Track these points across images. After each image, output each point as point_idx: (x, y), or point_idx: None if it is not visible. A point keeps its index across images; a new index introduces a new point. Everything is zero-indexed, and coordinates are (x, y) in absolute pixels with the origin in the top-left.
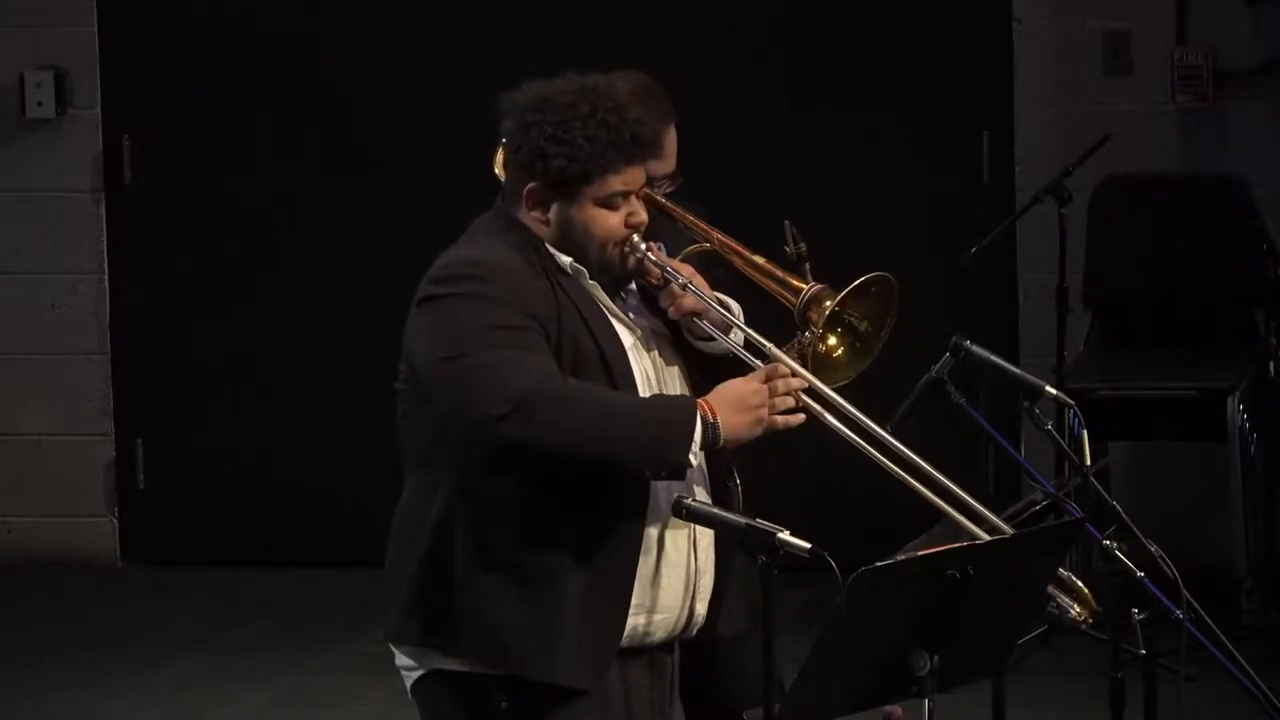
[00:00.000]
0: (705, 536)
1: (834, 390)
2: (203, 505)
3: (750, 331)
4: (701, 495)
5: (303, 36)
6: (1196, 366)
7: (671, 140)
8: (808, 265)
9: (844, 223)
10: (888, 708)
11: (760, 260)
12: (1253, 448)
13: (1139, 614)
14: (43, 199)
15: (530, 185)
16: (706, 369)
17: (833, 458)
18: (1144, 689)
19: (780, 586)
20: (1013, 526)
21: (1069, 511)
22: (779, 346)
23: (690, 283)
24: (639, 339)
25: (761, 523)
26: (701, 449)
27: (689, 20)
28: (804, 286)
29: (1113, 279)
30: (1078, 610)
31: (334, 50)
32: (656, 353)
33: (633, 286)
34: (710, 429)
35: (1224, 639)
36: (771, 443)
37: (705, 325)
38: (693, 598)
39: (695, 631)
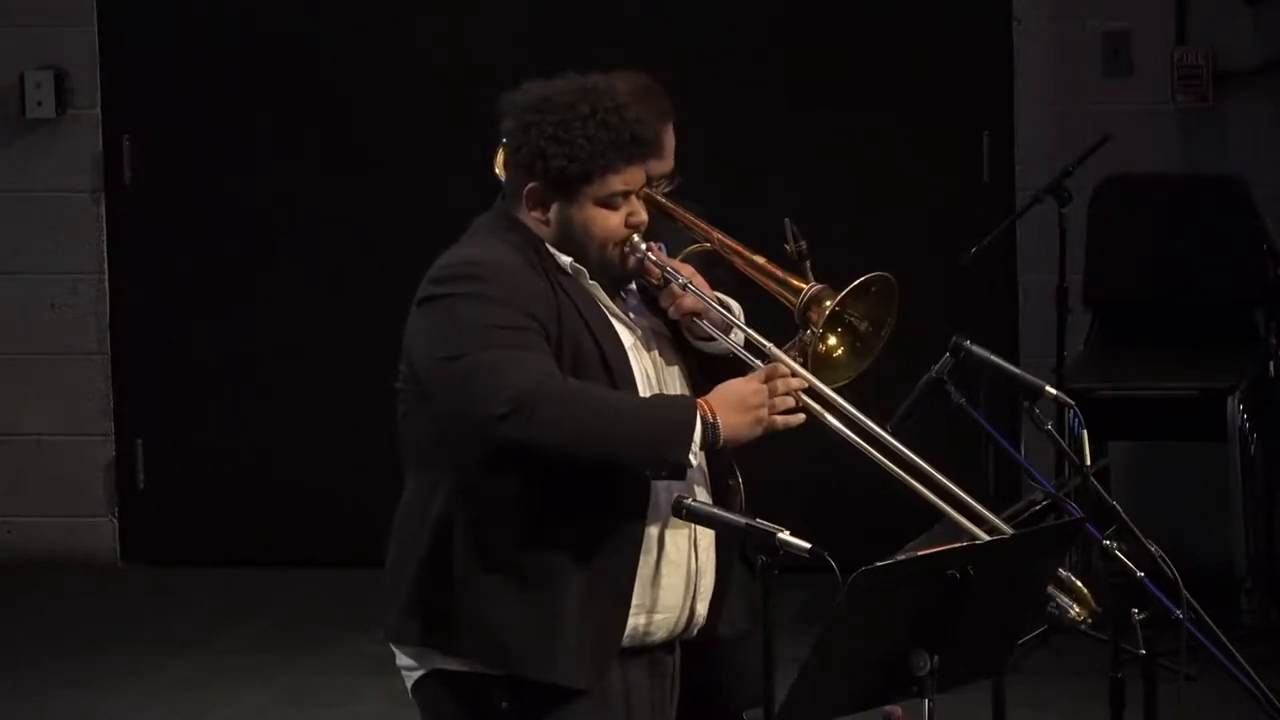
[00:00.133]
0: (706, 536)
1: (834, 390)
2: (203, 505)
3: (750, 331)
4: (702, 495)
5: (303, 36)
6: (1196, 366)
7: (670, 140)
8: (808, 264)
9: (844, 223)
10: (888, 708)
11: (760, 260)
12: (1253, 448)
13: (1139, 614)
14: (43, 199)
15: (530, 185)
16: (707, 369)
17: (833, 458)
18: (1144, 689)
19: (780, 586)
20: (1013, 526)
21: (1069, 511)
22: (779, 346)
23: (690, 282)
24: (639, 339)
25: (761, 523)
26: (701, 449)
27: (689, 20)
28: (804, 286)
29: (1113, 279)
30: (1077, 610)
31: (334, 50)
32: (657, 352)
33: (633, 286)
34: (710, 429)
35: (1224, 639)
36: (771, 443)
37: (705, 325)
38: (693, 598)
39: (696, 631)
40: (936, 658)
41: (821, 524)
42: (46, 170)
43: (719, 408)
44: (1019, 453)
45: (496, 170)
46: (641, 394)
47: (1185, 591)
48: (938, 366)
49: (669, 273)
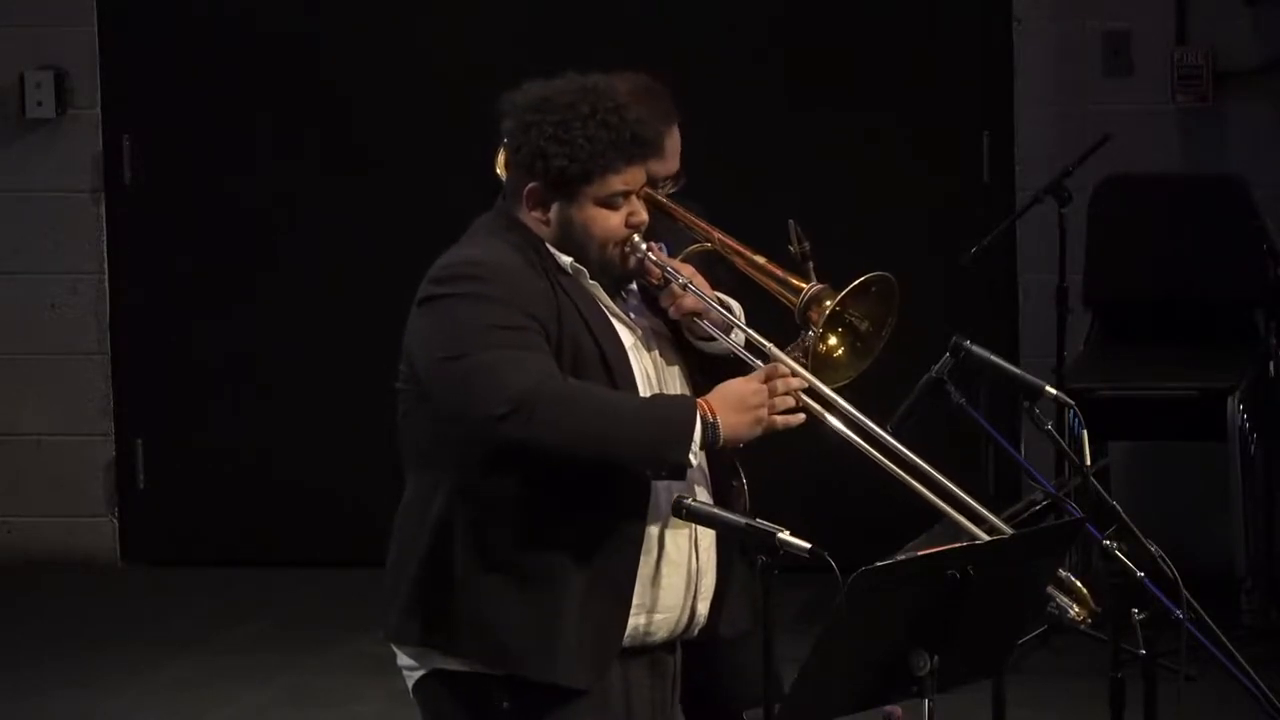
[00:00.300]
0: (707, 536)
1: (834, 390)
2: (203, 505)
3: (751, 332)
4: (702, 495)
5: (303, 36)
6: (1196, 366)
7: (675, 141)
8: (811, 264)
9: (844, 223)
10: (888, 708)
11: (761, 260)
12: (1253, 448)
13: (1139, 614)
14: (43, 199)
15: (531, 185)
16: (707, 369)
17: (833, 458)
18: (1144, 689)
19: (780, 586)
20: (1013, 526)
21: (1069, 511)
22: (780, 346)
23: (691, 282)
24: (639, 339)
25: (761, 523)
26: (701, 449)
27: (689, 20)
28: (804, 286)
29: (1113, 279)
30: (1077, 610)
31: (334, 50)
32: (657, 352)
33: (633, 286)
34: (710, 429)
35: (1224, 639)
36: (772, 442)
37: (706, 325)
38: (694, 598)
39: (697, 631)
40: (936, 658)
41: (821, 524)
42: (46, 170)
43: (719, 407)
44: (1019, 453)
45: (497, 170)
46: (642, 394)
47: (1185, 591)
48: (938, 366)
49: (669, 272)
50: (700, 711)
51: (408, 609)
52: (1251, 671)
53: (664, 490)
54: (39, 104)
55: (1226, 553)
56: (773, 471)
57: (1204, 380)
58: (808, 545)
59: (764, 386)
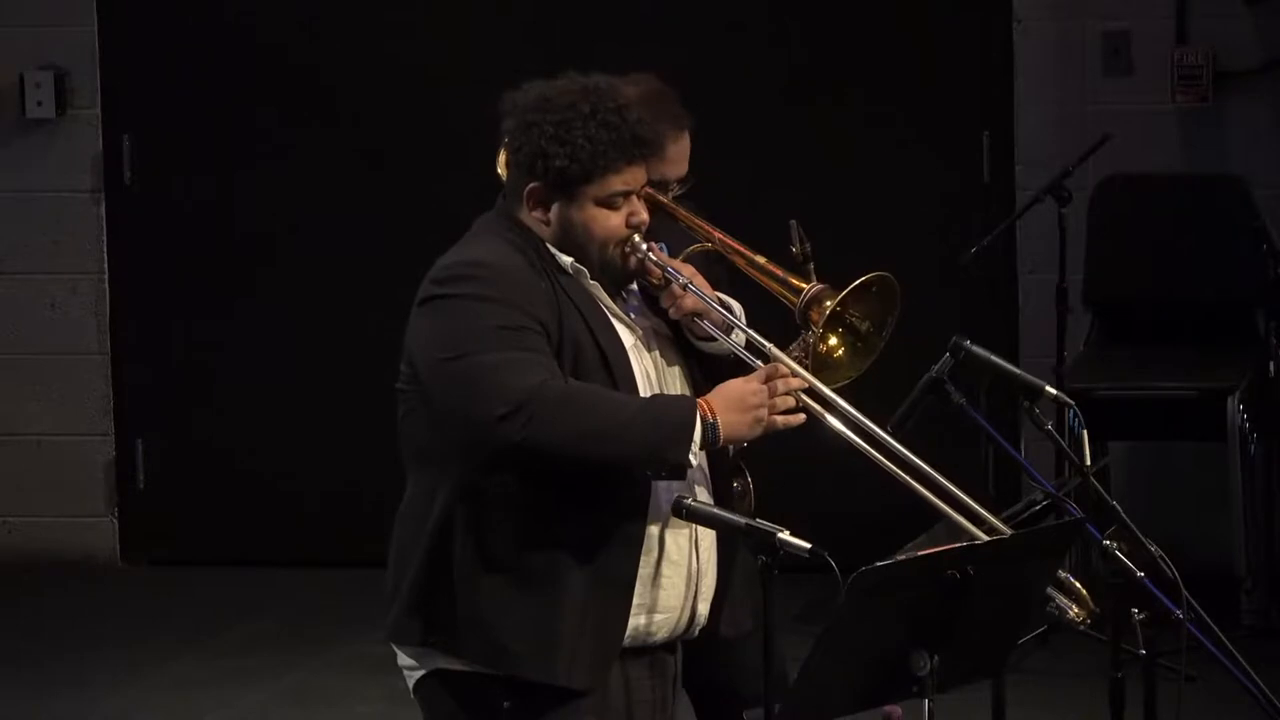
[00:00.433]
0: (707, 536)
1: (834, 390)
2: (203, 505)
3: (751, 332)
4: (703, 495)
5: (303, 36)
6: (1196, 366)
7: (685, 145)
8: (811, 267)
9: (844, 222)
10: (888, 708)
11: (761, 260)
12: (1253, 448)
13: (1139, 614)
14: (43, 199)
15: (531, 185)
16: (708, 369)
17: (833, 458)
18: (1144, 689)
19: (780, 586)
20: (1012, 527)
21: (1069, 511)
22: (779, 346)
23: (691, 283)
24: (640, 339)
25: (761, 523)
26: (701, 449)
27: (689, 20)
28: (805, 286)
29: (1113, 279)
30: (1076, 611)
31: (334, 50)
32: (658, 353)
33: (634, 287)
34: (710, 429)
35: (1224, 639)
36: (772, 443)
37: (706, 325)
38: (694, 598)
39: (697, 632)
40: (936, 658)
41: (822, 524)
42: (46, 170)
43: (719, 407)
44: (1019, 453)
45: (498, 170)
46: (642, 394)
47: (1185, 591)
48: (938, 366)
49: (670, 273)
50: (702, 711)
51: (408, 609)
52: (1251, 671)
53: (664, 490)
54: (39, 104)
55: (1226, 553)
56: (773, 471)
57: (1204, 380)
58: (808, 545)
59: (764, 387)
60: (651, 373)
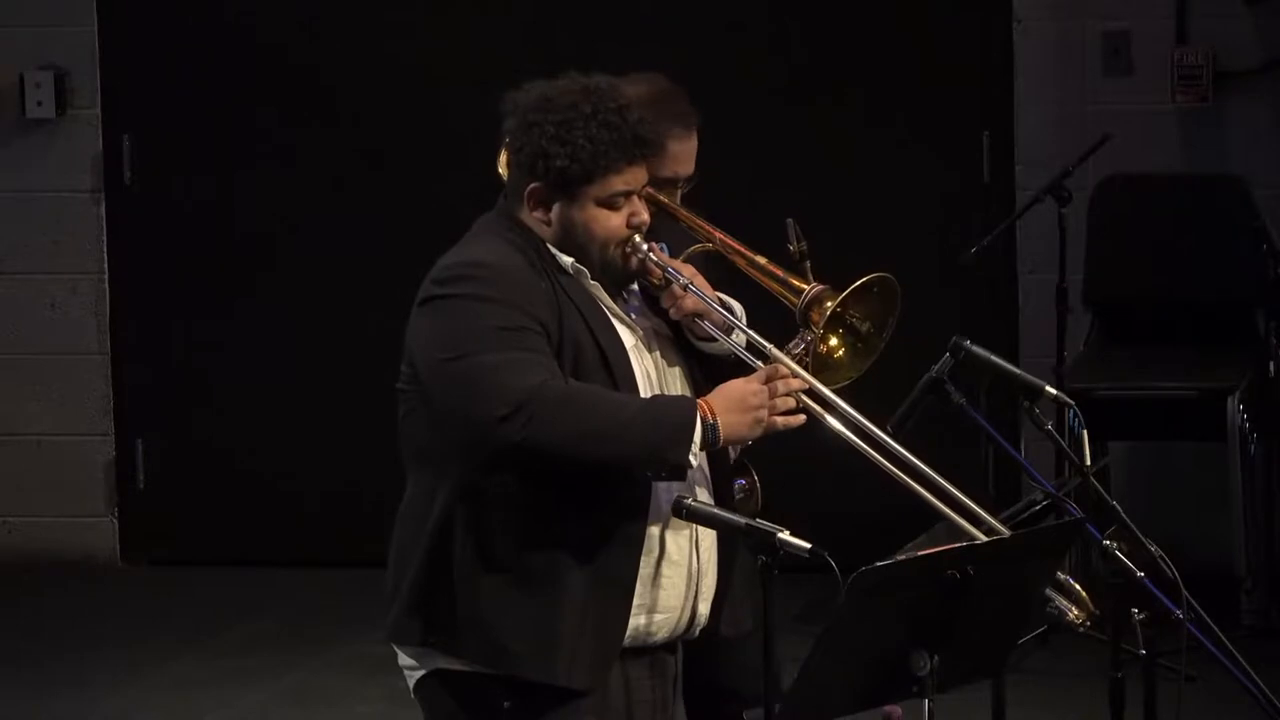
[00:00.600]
0: (708, 537)
1: (835, 391)
2: (203, 505)
3: (751, 333)
4: (703, 495)
5: (303, 36)
6: (1196, 366)
7: (693, 144)
8: (808, 265)
9: (844, 222)
10: (888, 708)
11: (762, 260)
12: (1253, 448)
13: (1139, 614)
14: (43, 199)
15: (532, 185)
16: (708, 369)
17: (833, 458)
18: (1144, 689)
19: (780, 586)
20: (1012, 527)
21: (1069, 511)
22: (779, 347)
23: (692, 283)
24: (640, 339)
25: (761, 523)
26: (701, 449)
27: (689, 20)
28: (805, 287)
29: (1113, 279)
30: (1076, 613)
31: (334, 50)
32: (658, 353)
33: (634, 287)
34: (710, 429)
35: (1224, 639)
36: (772, 443)
37: (707, 326)
38: (695, 598)
39: (698, 632)
40: (936, 658)
41: (822, 524)
42: (46, 170)
43: (719, 408)
44: (1019, 453)
45: (499, 170)
46: (643, 395)
47: (1185, 591)
48: (938, 366)
49: (670, 273)
50: (701, 711)
51: (408, 609)
52: (1251, 671)
53: (664, 490)
54: (39, 104)
55: (1226, 553)
56: (773, 471)
57: (1204, 380)
58: (808, 545)
59: (764, 387)
60: (652, 373)
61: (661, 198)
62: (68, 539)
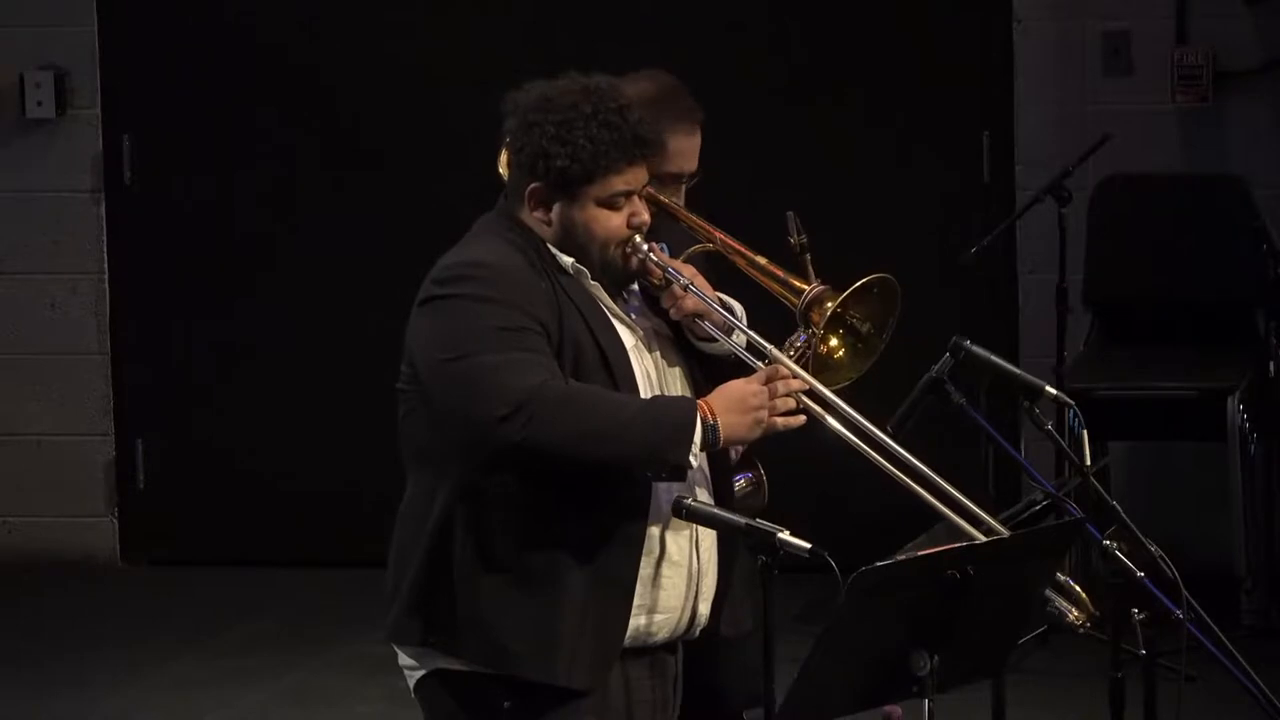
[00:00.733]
0: (708, 537)
1: (835, 391)
2: (203, 505)
3: (752, 333)
4: (703, 495)
5: (303, 36)
6: (1196, 366)
7: (697, 141)
8: (808, 258)
9: (844, 222)
10: (888, 708)
11: (762, 261)
12: (1253, 448)
13: (1139, 614)
14: (43, 199)
15: (532, 185)
16: (709, 370)
17: (833, 458)
18: (1144, 689)
19: (780, 586)
20: (1012, 527)
21: (1069, 511)
22: (780, 347)
23: (692, 283)
24: (641, 340)
25: (761, 523)
26: (701, 450)
27: (689, 20)
28: (806, 287)
29: (1113, 279)
30: (1076, 615)
31: (334, 50)
32: (659, 354)
33: (635, 287)
34: (710, 430)
35: (1224, 639)
36: (772, 443)
37: (707, 326)
38: (695, 598)
39: (698, 632)
40: (936, 658)
41: (822, 524)
42: (46, 170)
43: (719, 409)
44: (1019, 453)
45: (499, 170)
46: (643, 395)
47: (1185, 591)
48: (938, 366)
49: (671, 273)
50: (701, 711)
51: (408, 609)
52: (1251, 671)
53: (664, 490)
54: (39, 104)
55: (1226, 553)
56: (773, 471)
57: (1204, 380)
58: (808, 545)
59: (764, 388)
60: (652, 373)
61: (662, 198)
62: (68, 539)
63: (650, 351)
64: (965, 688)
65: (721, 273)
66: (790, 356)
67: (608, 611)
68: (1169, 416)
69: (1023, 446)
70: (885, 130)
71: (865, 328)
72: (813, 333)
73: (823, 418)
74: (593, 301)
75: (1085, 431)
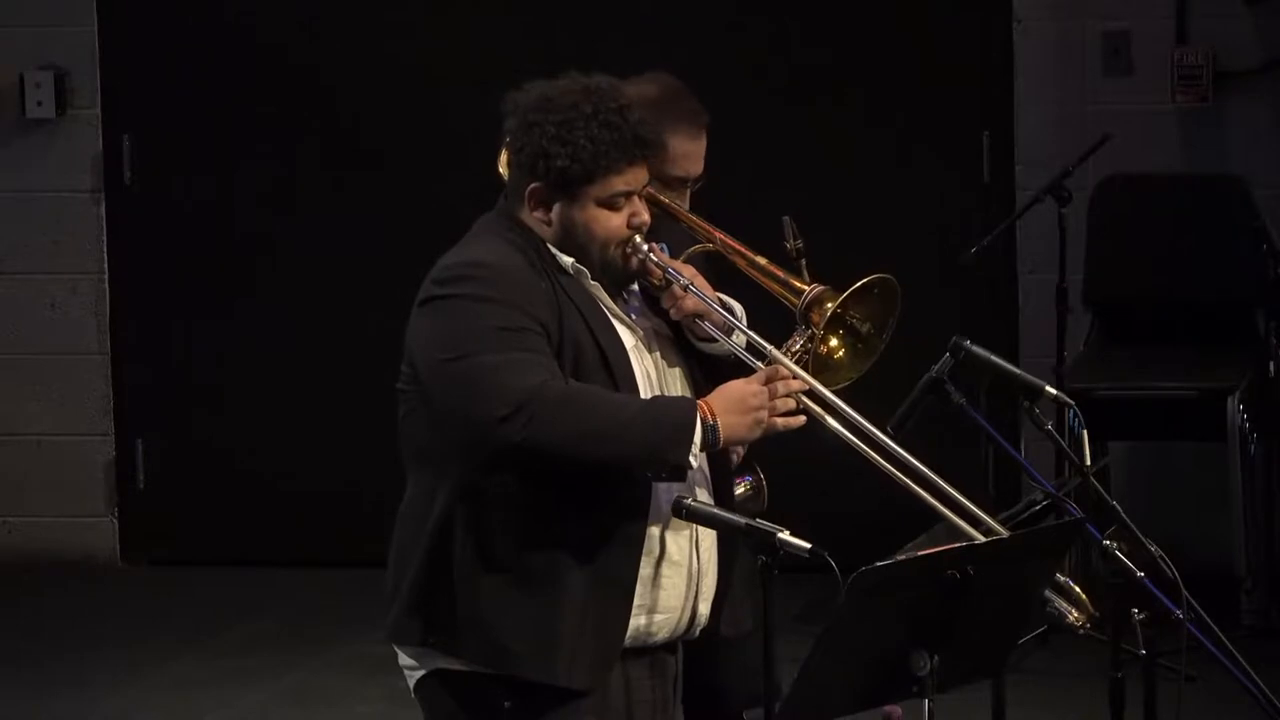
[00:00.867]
0: (708, 537)
1: (835, 392)
2: (203, 505)
3: (752, 333)
4: (703, 495)
5: (303, 36)
6: (1196, 366)
7: (703, 142)
8: (804, 261)
9: (844, 223)
10: (888, 708)
11: (762, 261)
12: (1253, 448)
13: (1139, 614)
14: (43, 199)
15: (533, 185)
16: (709, 370)
17: (833, 458)
18: (1144, 689)
19: (780, 586)
20: (1012, 528)
21: (1069, 511)
22: (780, 347)
23: (692, 284)
24: (641, 340)
25: (761, 523)
26: (701, 450)
27: (689, 20)
28: (806, 288)
29: (1113, 279)
30: (1075, 615)
31: (334, 50)
32: (659, 354)
33: (635, 287)
34: (710, 430)
35: (1224, 639)
36: (772, 443)
37: (707, 326)
38: (695, 598)
39: (698, 632)
40: (936, 658)
41: (822, 524)
42: (46, 170)
43: (718, 409)
44: (1019, 453)
45: (499, 170)
46: (643, 395)
47: (1185, 591)
48: (938, 366)
49: (671, 273)
50: (701, 711)
51: (408, 609)
52: (1251, 671)
53: (664, 491)
54: (39, 104)
55: (1226, 553)
56: (773, 471)
57: (1204, 380)
58: (808, 545)
59: (764, 388)
60: (652, 374)
61: (662, 198)
62: (68, 539)
63: (650, 352)
64: (965, 688)
65: (721, 273)
66: (790, 357)
67: (608, 611)
68: (1169, 416)
69: (1023, 446)
70: (885, 130)
71: (865, 328)
72: (813, 333)
73: (822, 418)
74: (593, 302)
75: (1085, 431)
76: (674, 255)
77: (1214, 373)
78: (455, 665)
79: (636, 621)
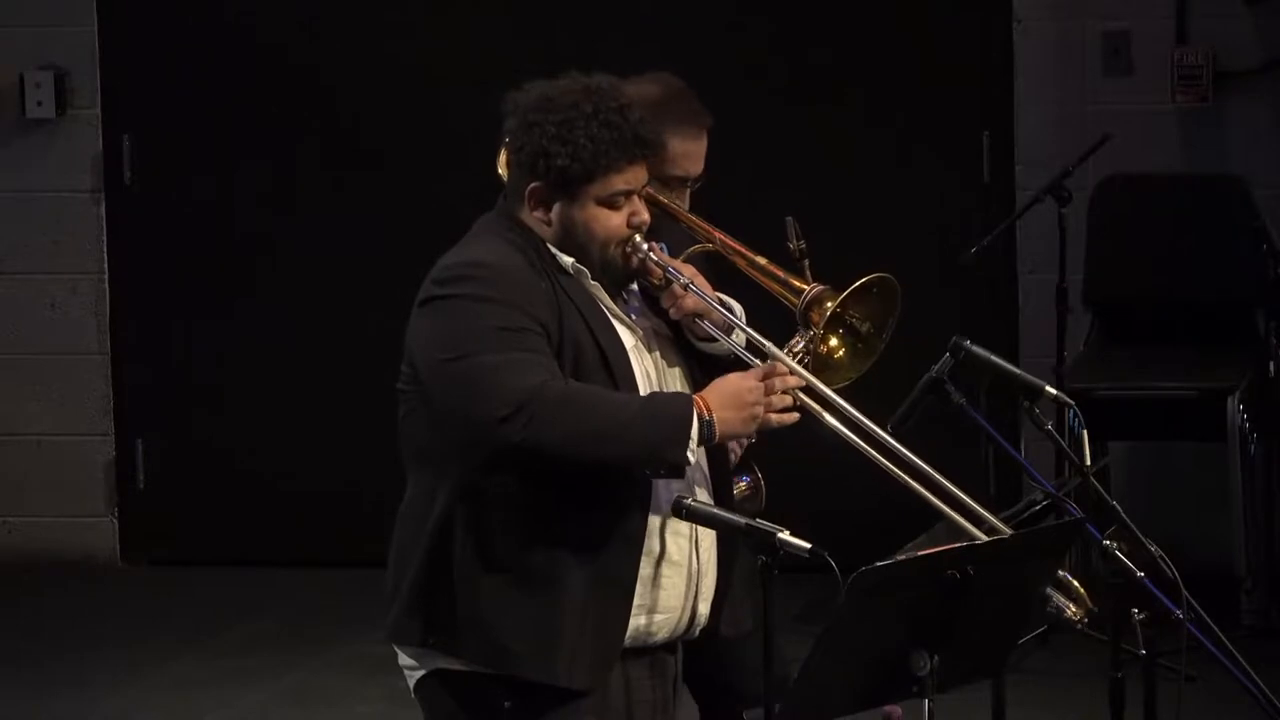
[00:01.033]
0: (708, 537)
1: (835, 391)
2: (203, 505)
3: (752, 332)
4: (702, 495)
5: (303, 36)
6: (1196, 366)
7: (704, 142)
8: (807, 262)
9: (844, 222)
10: (888, 708)
11: (762, 261)
12: (1253, 448)
13: (1139, 614)
14: (43, 199)
15: (533, 185)
16: (708, 370)
17: (833, 457)
18: (1144, 689)
19: (780, 586)
20: (1012, 527)
21: (1069, 511)
22: (780, 347)
23: (692, 283)
24: (640, 340)
25: (761, 523)
26: (698, 445)
27: (689, 20)
28: (805, 287)
29: (1113, 279)
30: (1073, 610)
31: (334, 50)
32: (658, 353)
33: (634, 287)
34: (706, 425)
35: (1224, 639)
36: (772, 442)
37: (707, 326)
38: (695, 598)
39: (698, 632)
40: (936, 658)
41: (822, 524)
42: (46, 170)
43: (714, 403)
44: (1019, 453)
45: (499, 170)
46: (642, 395)
47: (1185, 591)
48: (938, 366)
49: (671, 273)
50: (701, 711)
51: (408, 609)
52: (1251, 671)
53: (664, 491)
54: (39, 104)
55: (1226, 553)
56: (773, 472)
57: (1204, 380)
58: (808, 545)
59: (761, 384)
60: (652, 373)
61: (661, 198)
62: (68, 539)
63: (650, 351)
64: (965, 688)
65: (721, 273)
66: (791, 357)
67: (608, 611)
68: (1169, 416)
69: (1023, 446)
70: (885, 130)
71: (865, 328)
72: (813, 333)
73: (821, 415)
74: (593, 301)
75: (1085, 431)
76: (674, 255)
77: (1214, 373)
78: (455, 665)
79: (636, 621)
